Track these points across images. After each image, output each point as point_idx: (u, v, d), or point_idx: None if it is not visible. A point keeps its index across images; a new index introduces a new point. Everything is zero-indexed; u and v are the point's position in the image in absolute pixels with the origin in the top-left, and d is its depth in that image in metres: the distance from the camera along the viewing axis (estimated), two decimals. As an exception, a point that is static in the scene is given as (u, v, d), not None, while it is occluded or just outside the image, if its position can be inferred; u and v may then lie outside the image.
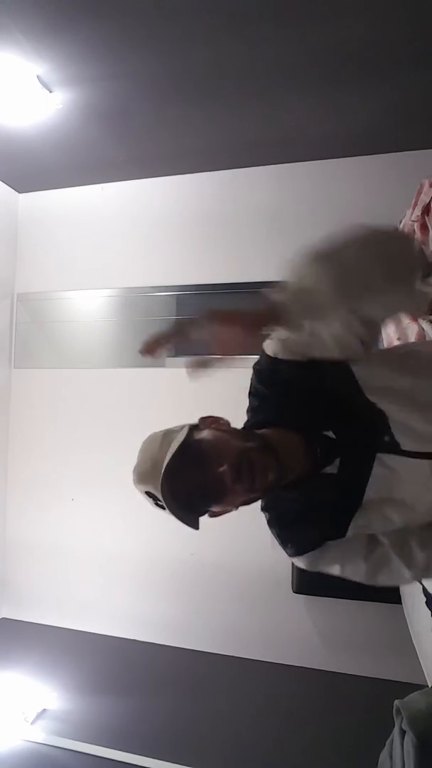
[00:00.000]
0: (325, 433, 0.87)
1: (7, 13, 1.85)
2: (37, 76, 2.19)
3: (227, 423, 0.90)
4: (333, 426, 0.87)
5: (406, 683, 1.85)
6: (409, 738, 1.23)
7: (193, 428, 0.86)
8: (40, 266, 3.36)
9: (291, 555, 0.95)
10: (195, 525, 0.82)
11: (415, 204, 2.01)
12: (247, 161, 2.95)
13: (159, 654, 2.80)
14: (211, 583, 2.88)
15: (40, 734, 2.18)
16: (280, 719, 2.30)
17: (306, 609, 2.73)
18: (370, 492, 0.86)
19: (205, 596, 2.89)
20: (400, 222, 2.22)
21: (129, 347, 3.56)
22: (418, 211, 1.95)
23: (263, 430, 0.88)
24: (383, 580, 0.92)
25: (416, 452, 0.84)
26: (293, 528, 0.94)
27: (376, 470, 0.85)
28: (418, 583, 1.78)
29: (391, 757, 1.33)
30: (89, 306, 3.36)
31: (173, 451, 0.78)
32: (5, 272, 3.34)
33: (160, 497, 0.79)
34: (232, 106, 2.42)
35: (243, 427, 0.94)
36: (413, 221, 1.97)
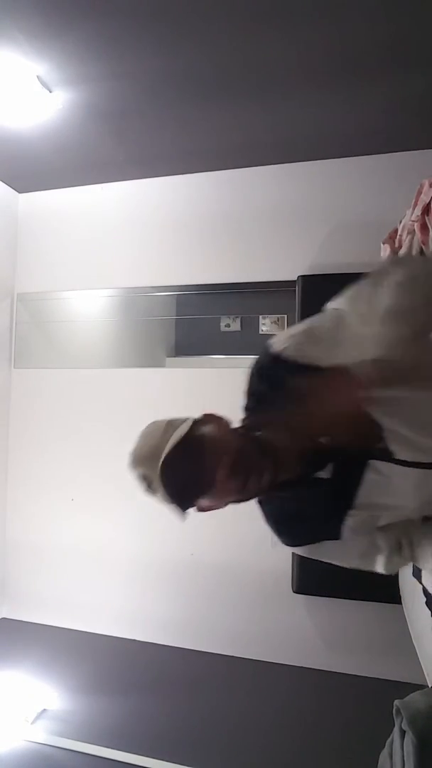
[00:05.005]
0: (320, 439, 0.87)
1: (7, 13, 1.85)
2: (37, 76, 2.19)
3: (228, 423, 0.92)
4: (328, 431, 0.87)
5: (406, 683, 1.85)
6: (409, 738, 1.23)
7: (197, 422, 0.87)
8: (40, 266, 3.36)
9: (286, 545, 0.98)
10: (182, 514, 0.85)
11: (415, 204, 2.01)
12: (247, 161, 2.95)
13: (159, 654, 2.80)
14: (211, 583, 2.88)
15: (40, 734, 2.18)
16: (280, 719, 2.30)
17: (306, 609, 2.73)
18: (362, 496, 0.87)
19: (205, 596, 2.89)
20: (400, 222, 2.22)
21: (129, 347, 3.56)
22: (418, 211, 1.95)
23: (261, 432, 0.89)
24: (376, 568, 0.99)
25: (410, 462, 0.85)
26: (288, 523, 0.96)
27: (368, 476, 0.86)
28: (418, 583, 1.78)
29: (391, 757, 1.33)
30: (89, 306, 3.37)
31: (176, 439, 0.80)
32: (5, 272, 3.34)
33: (155, 481, 0.81)
34: (231, 106, 2.42)
35: (240, 427, 0.94)
36: (413, 221, 1.97)
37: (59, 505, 3.17)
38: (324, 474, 0.88)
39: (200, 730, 2.22)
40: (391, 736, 1.36)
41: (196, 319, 3.71)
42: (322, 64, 2.12)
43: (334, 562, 0.99)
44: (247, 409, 0.97)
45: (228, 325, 3.78)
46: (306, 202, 2.90)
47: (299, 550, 0.98)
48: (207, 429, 0.86)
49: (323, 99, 2.34)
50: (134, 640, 2.90)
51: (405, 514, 0.92)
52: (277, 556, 2.72)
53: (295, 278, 2.81)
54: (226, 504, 0.87)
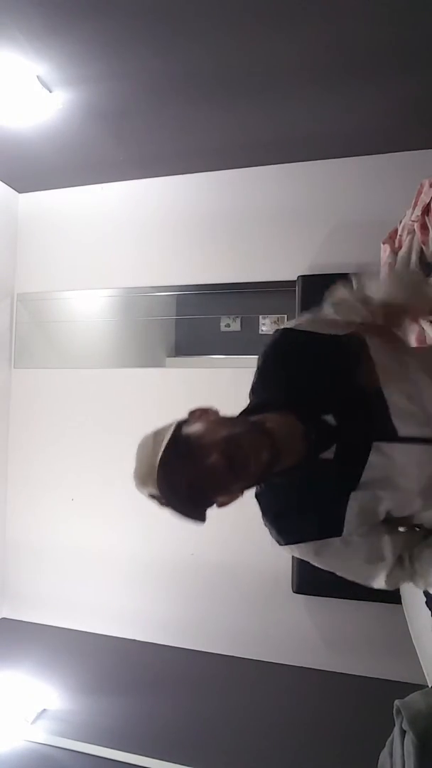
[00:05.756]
0: (324, 417, 0.87)
1: (7, 13, 1.85)
2: (37, 76, 2.19)
3: (216, 412, 0.90)
4: (333, 410, 0.87)
5: (406, 683, 1.85)
6: (409, 738, 1.23)
7: (181, 424, 0.86)
8: (40, 266, 3.36)
9: (283, 544, 0.95)
10: (202, 518, 0.82)
11: (415, 204, 2.01)
12: (247, 161, 2.95)
13: (159, 654, 2.80)
14: (211, 582, 2.88)
15: (40, 734, 2.18)
16: (280, 719, 2.30)
17: (306, 609, 2.73)
18: (366, 477, 0.87)
19: (205, 596, 2.89)
20: (400, 222, 2.22)
21: (129, 347, 3.56)
22: (418, 211, 1.95)
23: (258, 416, 0.88)
24: (375, 584, 0.95)
25: (413, 437, 0.86)
26: (289, 517, 0.94)
27: (373, 458, 0.86)
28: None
29: (391, 756, 1.33)
30: (89, 306, 3.37)
31: (162, 450, 0.78)
32: (5, 272, 3.34)
33: (161, 497, 0.79)
34: (232, 106, 2.42)
35: (242, 411, 0.93)
36: (413, 221, 1.97)
37: (59, 505, 3.17)
38: (329, 455, 0.87)
39: (200, 730, 2.22)
40: (391, 736, 1.36)
41: (196, 319, 3.71)
42: (322, 65, 2.12)
43: (333, 569, 0.96)
44: (253, 390, 0.96)
45: (228, 325, 3.79)
46: (306, 202, 2.90)
47: (297, 551, 0.95)
48: (193, 426, 0.85)
49: (323, 99, 2.34)
50: (134, 640, 2.90)
51: (408, 501, 0.90)
52: (277, 556, 2.72)
53: (295, 278, 2.81)
54: (242, 492, 0.85)
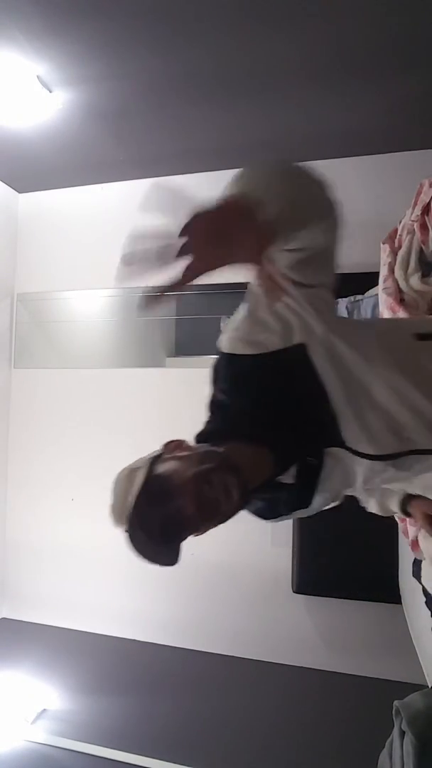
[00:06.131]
0: (281, 440, 0.85)
1: (7, 13, 1.85)
2: (37, 76, 2.19)
3: (188, 446, 0.88)
4: (287, 429, 0.85)
5: (406, 683, 1.85)
6: (408, 739, 1.23)
7: (155, 460, 0.84)
8: (40, 266, 3.36)
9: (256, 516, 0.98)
10: (173, 561, 0.84)
11: (415, 204, 2.01)
12: (247, 161, 2.94)
13: (159, 654, 2.80)
14: (211, 582, 2.88)
15: (40, 734, 2.18)
16: (280, 719, 2.30)
17: (306, 609, 2.73)
18: (323, 481, 0.87)
19: (205, 596, 2.89)
20: (400, 222, 2.22)
21: (129, 347, 3.56)
22: (418, 211, 1.95)
23: (223, 448, 0.85)
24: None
25: (363, 453, 0.83)
26: (258, 508, 0.96)
27: (327, 462, 0.86)
28: (418, 583, 1.78)
29: (390, 757, 1.33)
30: (89, 306, 3.36)
31: (135, 494, 0.78)
32: (5, 272, 3.34)
33: (131, 539, 0.80)
34: (232, 106, 2.42)
35: (202, 437, 0.91)
36: (413, 221, 1.97)
37: (59, 505, 3.17)
38: (287, 478, 0.87)
39: (200, 730, 2.22)
40: (390, 737, 1.36)
41: (196, 319, 3.71)
42: (322, 64, 2.12)
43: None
44: (210, 408, 0.93)
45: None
46: (306, 202, 2.90)
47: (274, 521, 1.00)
48: (165, 465, 0.83)
49: (323, 99, 2.34)
50: (134, 640, 2.90)
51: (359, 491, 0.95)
52: (277, 556, 2.72)
53: (295, 278, 2.81)
54: (218, 524, 0.84)
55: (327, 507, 0.98)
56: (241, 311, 0.89)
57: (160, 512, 0.79)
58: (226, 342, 0.89)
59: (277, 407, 0.84)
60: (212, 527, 0.84)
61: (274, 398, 0.84)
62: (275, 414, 0.84)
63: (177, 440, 0.89)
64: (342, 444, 0.83)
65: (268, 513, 0.96)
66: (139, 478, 0.80)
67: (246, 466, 0.82)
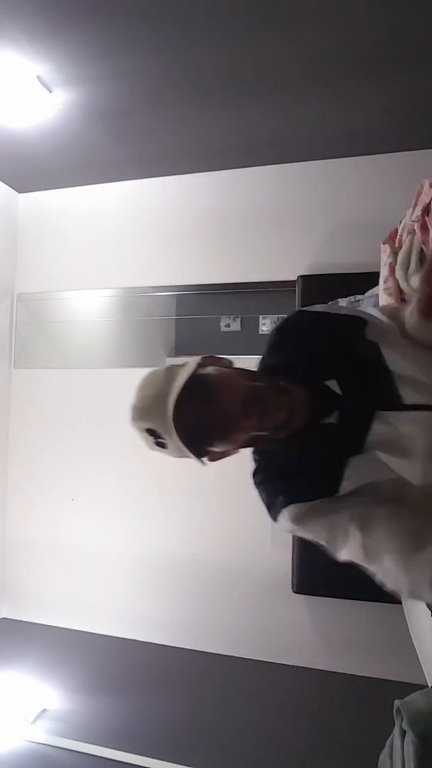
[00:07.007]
0: (328, 384, 0.87)
1: (7, 13, 1.85)
2: (37, 76, 2.19)
3: (230, 362, 0.90)
4: (338, 377, 0.87)
5: (406, 683, 1.85)
6: (409, 738, 1.23)
7: (199, 364, 0.85)
8: (40, 266, 3.36)
9: (279, 510, 0.87)
10: (199, 460, 0.81)
11: (415, 204, 2.01)
12: (247, 161, 2.95)
13: (159, 654, 2.80)
14: (211, 582, 2.88)
15: (40, 734, 2.18)
16: (280, 719, 2.30)
17: (306, 609, 2.73)
18: (368, 443, 0.85)
19: (205, 596, 2.89)
20: (400, 222, 2.22)
21: (129, 347, 3.56)
22: (418, 211, 1.95)
23: (271, 378, 0.89)
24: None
25: (419, 405, 0.85)
26: (285, 481, 0.90)
27: (377, 426, 0.85)
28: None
29: (391, 757, 1.33)
30: (89, 306, 3.36)
31: (182, 383, 0.77)
32: (5, 272, 3.34)
33: (165, 432, 0.77)
34: (232, 106, 2.42)
35: (251, 370, 0.93)
36: (413, 221, 1.97)
37: (59, 505, 3.16)
38: (332, 419, 0.87)
39: (200, 730, 2.22)
40: (391, 736, 1.36)
41: (196, 319, 3.71)
42: (322, 64, 2.12)
43: (321, 532, 0.86)
44: (262, 360, 0.96)
45: (228, 325, 3.78)
46: (306, 202, 2.90)
47: (288, 517, 0.87)
48: (212, 369, 0.85)
49: (323, 99, 2.34)
50: (134, 640, 2.90)
51: (411, 468, 0.84)
52: (277, 556, 2.72)
53: (295, 278, 2.81)
54: (240, 447, 0.84)
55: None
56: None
57: (201, 410, 0.78)
58: (311, 307, 0.98)
59: (327, 355, 0.89)
60: (243, 443, 0.84)
61: (327, 346, 0.90)
62: (322, 360, 0.89)
63: (217, 356, 0.90)
64: (400, 404, 0.85)
65: (296, 488, 0.87)
66: (187, 372, 0.79)
67: (294, 396, 0.84)
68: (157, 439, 0.80)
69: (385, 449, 0.85)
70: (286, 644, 2.72)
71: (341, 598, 2.59)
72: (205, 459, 0.83)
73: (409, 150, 2.71)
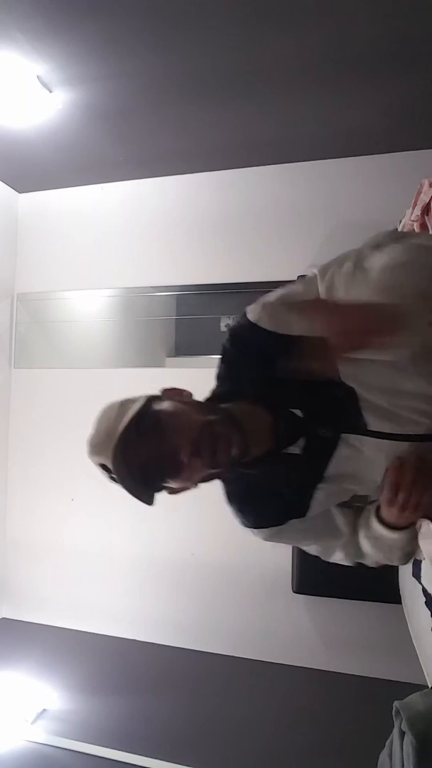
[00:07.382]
0: (292, 410, 0.84)
1: (7, 13, 1.85)
2: (37, 76, 2.19)
3: (190, 395, 0.87)
4: (301, 404, 0.84)
5: (406, 683, 1.85)
6: (408, 739, 1.23)
7: (153, 399, 0.83)
8: (40, 266, 3.36)
9: (247, 527, 0.95)
10: (149, 501, 0.79)
11: (415, 204, 2.01)
12: (247, 161, 2.95)
13: (159, 654, 2.80)
14: (211, 583, 2.88)
15: (40, 734, 2.18)
16: (280, 719, 2.30)
17: (306, 609, 2.73)
18: (332, 469, 0.85)
19: (205, 596, 2.89)
20: (400, 222, 2.22)
21: (129, 347, 3.56)
22: (417, 211, 1.95)
23: (229, 404, 0.85)
24: (335, 560, 1.00)
25: (383, 433, 0.82)
26: (254, 503, 0.92)
27: (341, 450, 0.83)
28: (417, 583, 1.78)
29: (390, 757, 1.33)
30: (89, 306, 3.36)
31: (128, 419, 0.75)
32: (5, 272, 3.34)
33: (112, 468, 0.76)
34: (232, 106, 2.42)
35: (208, 398, 0.90)
36: (413, 221, 1.97)
37: (59, 505, 3.16)
38: (295, 449, 0.85)
39: (200, 730, 2.22)
40: (390, 737, 1.36)
41: (196, 319, 3.71)
42: (322, 64, 2.12)
43: (293, 543, 0.99)
44: (219, 377, 0.92)
45: (228, 325, 3.78)
46: (306, 202, 2.90)
47: (260, 535, 0.95)
48: (165, 404, 0.81)
49: (323, 99, 2.34)
50: (134, 640, 2.90)
51: (374, 490, 0.88)
52: (277, 556, 2.72)
53: (295, 278, 2.81)
54: (196, 484, 0.82)
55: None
56: (280, 291, 0.91)
57: (149, 448, 0.75)
58: (256, 313, 0.88)
59: (287, 383, 0.84)
60: (196, 481, 0.81)
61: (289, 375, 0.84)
62: (288, 387, 0.84)
63: (177, 388, 0.87)
64: (364, 429, 0.81)
65: (267, 513, 0.93)
66: (135, 409, 0.77)
67: (249, 425, 0.80)
68: (110, 474, 0.79)
69: (349, 478, 0.87)
70: (286, 644, 2.72)
71: (341, 598, 2.59)
72: (153, 499, 0.80)
73: (409, 150, 2.71)
